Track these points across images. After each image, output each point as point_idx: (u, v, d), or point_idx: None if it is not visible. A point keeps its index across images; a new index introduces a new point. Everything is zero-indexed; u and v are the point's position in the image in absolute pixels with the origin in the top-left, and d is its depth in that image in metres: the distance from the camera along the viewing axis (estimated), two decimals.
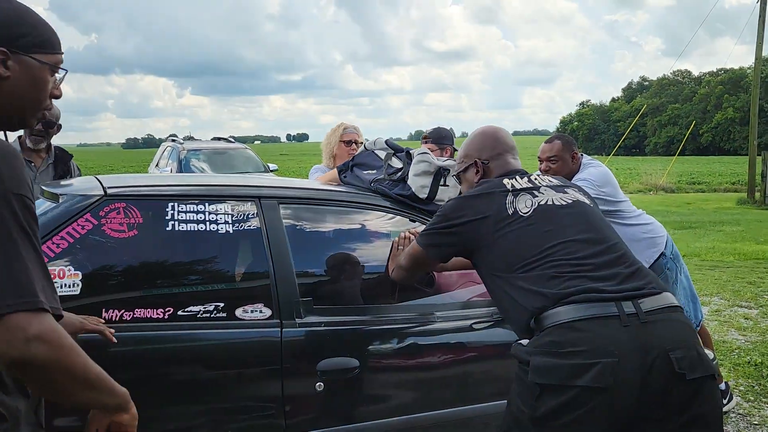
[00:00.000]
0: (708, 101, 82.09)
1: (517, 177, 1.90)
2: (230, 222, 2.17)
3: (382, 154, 2.85)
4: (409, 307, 2.39)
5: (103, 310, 1.93)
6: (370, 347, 2.23)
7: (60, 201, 2.05)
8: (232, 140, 13.02)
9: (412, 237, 2.39)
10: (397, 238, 2.31)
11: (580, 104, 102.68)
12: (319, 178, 3.34)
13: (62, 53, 1.27)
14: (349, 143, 3.55)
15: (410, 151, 2.76)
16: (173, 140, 12.46)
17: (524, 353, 1.59)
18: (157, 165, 12.38)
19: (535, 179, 1.89)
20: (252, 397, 2.05)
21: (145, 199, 2.12)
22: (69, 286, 1.91)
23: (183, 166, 10.93)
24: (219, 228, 2.15)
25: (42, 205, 2.11)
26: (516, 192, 1.82)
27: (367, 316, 2.31)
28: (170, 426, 1.96)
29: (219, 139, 13.31)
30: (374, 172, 2.80)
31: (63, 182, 2.47)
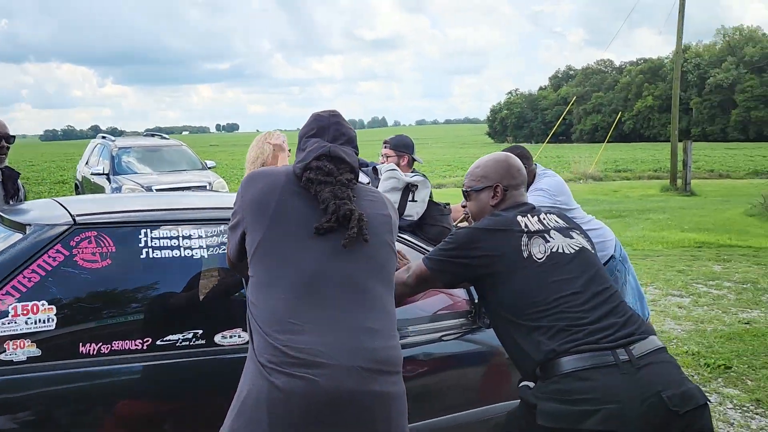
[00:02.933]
0: (629, 90, 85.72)
1: (529, 215, 1.96)
2: (204, 246, 2.15)
3: None
4: None
5: (80, 344, 1.89)
6: None
7: (27, 231, 1.98)
8: (166, 137, 12.66)
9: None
10: None
11: (509, 93, 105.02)
12: None
13: None
14: (281, 149, 3.44)
15: (376, 167, 2.80)
16: (103, 137, 11.99)
17: (532, 397, 1.71)
18: (86, 163, 11.90)
19: (544, 219, 1.97)
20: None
21: (116, 227, 2.07)
22: (43, 321, 1.86)
23: (116, 165, 10.56)
24: (194, 253, 2.13)
25: (9, 236, 2.03)
26: (530, 234, 1.89)
27: None
28: None
29: (152, 135, 12.92)
30: None
31: (24, 208, 2.36)
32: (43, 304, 1.87)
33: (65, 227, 1.99)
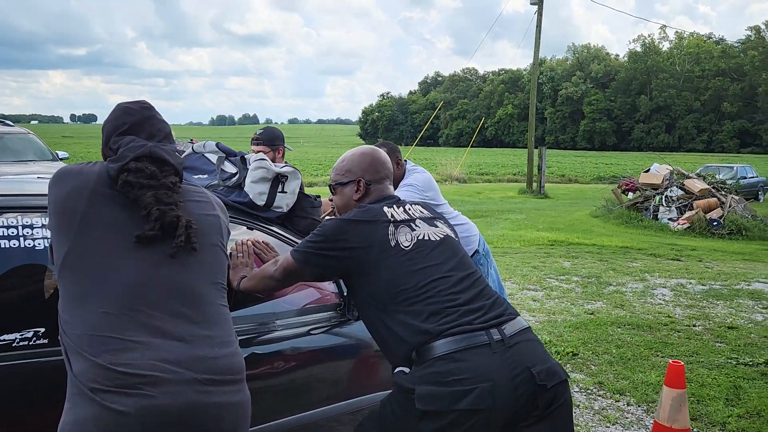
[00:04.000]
0: (492, 98, 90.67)
1: (395, 206, 1.97)
2: (47, 236, 1.96)
3: (213, 158, 2.76)
4: (250, 317, 2.36)
5: None
6: None
7: None
8: (11, 123, 11.49)
9: (250, 245, 2.36)
10: (234, 245, 2.26)
11: (381, 96, 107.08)
12: None
13: None
14: None
15: (244, 156, 2.71)
16: None
17: (408, 382, 1.71)
18: None
19: (409, 209, 1.98)
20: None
21: None
22: None
23: None
24: (35, 244, 1.93)
25: None
26: (397, 224, 1.90)
27: None
28: None
29: None
30: (206, 176, 2.70)
31: None
32: None
33: None
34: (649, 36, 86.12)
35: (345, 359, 2.58)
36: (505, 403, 1.65)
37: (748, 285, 7.46)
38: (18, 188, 2.23)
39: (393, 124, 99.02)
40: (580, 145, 78.07)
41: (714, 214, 11.91)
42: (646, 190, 13.32)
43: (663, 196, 12.79)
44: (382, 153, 2.17)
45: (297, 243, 2.57)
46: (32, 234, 1.93)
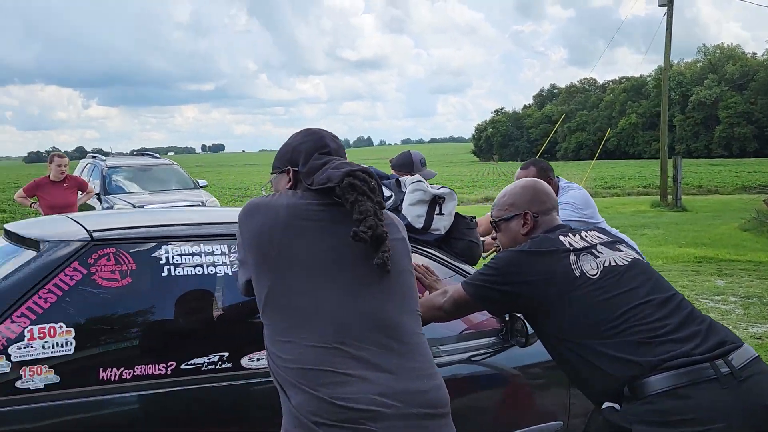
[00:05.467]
0: (613, 108, 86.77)
1: (570, 234, 1.86)
2: (228, 263, 2.03)
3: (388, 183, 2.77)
4: None
5: (101, 369, 1.75)
6: None
7: (41, 248, 1.85)
8: (158, 156, 12.49)
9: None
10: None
11: (495, 111, 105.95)
12: None
13: None
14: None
15: (399, 179, 2.69)
16: (94, 156, 11.79)
17: (623, 420, 1.59)
18: None
19: (586, 236, 1.86)
20: None
21: (135, 243, 1.94)
22: (61, 345, 1.72)
23: (107, 184, 10.38)
24: (217, 270, 2.00)
25: (20, 254, 1.89)
26: (577, 252, 1.78)
27: None
28: None
29: (142, 154, 12.73)
30: None
31: (35, 223, 2.23)
32: (60, 327, 1.73)
33: (82, 243, 1.85)
34: None
35: (504, 387, 2.46)
36: None
37: None
38: (198, 217, 2.34)
39: (508, 140, 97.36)
40: (716, 153, 72.45)
41: None
42: None
43: None
44: (545, 184, 2.07)
45: (454, 265, 2.51)
46: (213, 260, 2.00)
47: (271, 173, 1.76)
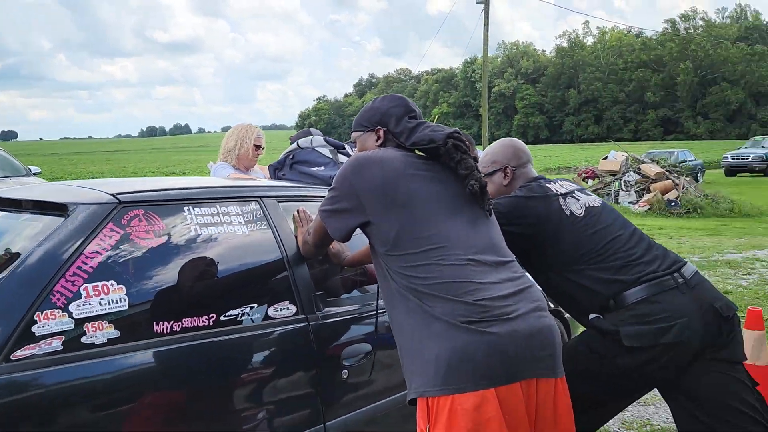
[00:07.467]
0: (427, 97, 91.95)
1: (552, 182, 2.23)
2: (243, 222, 2.14)
3: (324, 150, 2.97)
4: None
5: (154, 323, 1.80)
6: (379, 331, 2.36)
7: (71, 211, 1.82)
8: None
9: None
10: (296, 214, 2.30)
11: (317, 99, 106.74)
12: (234, 176, 3.28)
13: None
14: (258, 147, 3.56)
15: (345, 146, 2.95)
16: None
17: (610, 325, 1.98)
18: None
19: (563, 185, 2.25)
20: (291, 390, 2.07)
21: (161, 205, 1.98)
22: (116, 302, 1.74)
23: None
24: (236, 229, 2.11)
25: (42, 219, 1.85)
26: (564, 196, 2.16)
27: (360, 304, 2.43)
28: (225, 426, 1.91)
29: None
30: (323, 168, 2.90)
31: (44, 190, 2.12)
32: (112, 284, 1.74)
33: (112, 205, 1.86)
34: (573, 31, 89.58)
35: None
36: (697, 335, 1.94)
37: (722, 256, 8.12)
38: (205, 182, 2.38)
39: (331, 128, 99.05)
40: None
41: (671, 195, 12.76)
42: (605, 176, 14.08)
43: (621, 181, 13.58)
44: (520, 142, 2.42)
45: None
46: (230, 221, 2.10)
47: (355, 131, 1.97)
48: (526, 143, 2.61)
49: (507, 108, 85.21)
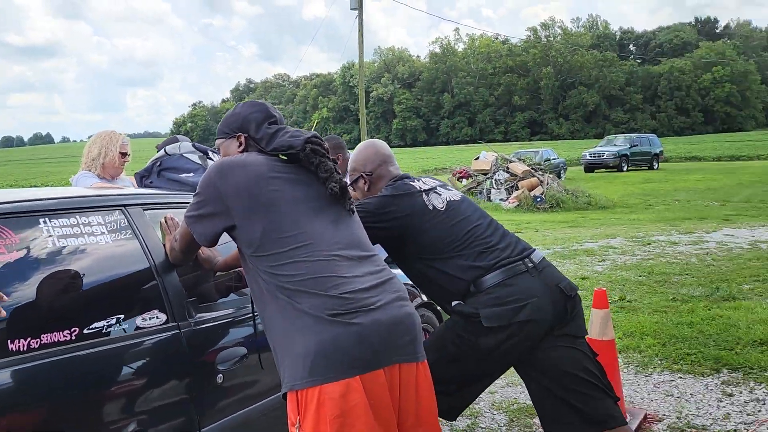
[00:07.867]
0: (307, 102, 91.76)
1: (416, 180, 2.37)
2: (106, 232, 2.09)
3: (193, 157, 2.94)
4: None
5: (9, 341, 1.72)
6: (252, 333, 2.38)
7: None
8: None
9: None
10: (163, 221, 2.29)
11: (193, 105, 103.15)
12: (98, 185, 3.16)
13: None
14: (124, 155, 3.45)
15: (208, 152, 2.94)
16: None
17: (471, 308, 2.15)
18: None
19: (426, 181, 2.39)
20: (164, 399, 2.05)
21: (12, 217, 1.89)
22: None
23: None
24: (98, 240, 2.05)
25: None
26: (427, 192, 2.31)
27: (235, 308, 2.44)
28: None
29: None
30: (192, 174, 2.87)
31: None
32: None
33: None
34: (445, 38, 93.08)
35: None
36: (548, 313, 2.16)
37: (581, 245, 8.84)
38: (62, 192, 2.28)
39: (208, 134, 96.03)
40: (395, 143, 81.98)
41: (536, 192, 13.67)
42: (477, 175, 14.81)
43: (492, 180, 14.37)
44: (375, 142, 2.55)
45: None
46: (92, 231, 2.04)
47: (218, 138, 2.00)
48: (405, 146, 2.76)
49: (386, 112, 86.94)
